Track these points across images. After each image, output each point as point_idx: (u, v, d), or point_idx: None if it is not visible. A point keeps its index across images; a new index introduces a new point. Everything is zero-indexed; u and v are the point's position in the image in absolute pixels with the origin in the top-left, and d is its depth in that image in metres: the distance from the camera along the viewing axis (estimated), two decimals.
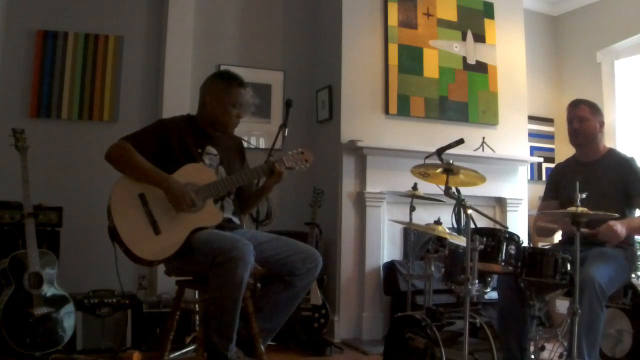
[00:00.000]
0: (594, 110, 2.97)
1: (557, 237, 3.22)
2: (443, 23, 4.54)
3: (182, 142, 2.54)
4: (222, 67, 4.34)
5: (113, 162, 2.45)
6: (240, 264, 2.25)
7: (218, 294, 2.29)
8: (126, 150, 2.43)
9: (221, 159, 2.65)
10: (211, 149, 2.64)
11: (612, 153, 3.01)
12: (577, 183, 2.44)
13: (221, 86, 2.62)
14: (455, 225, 3.29)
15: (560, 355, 2.76)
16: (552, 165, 4.72)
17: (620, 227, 2.60)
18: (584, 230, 2.63)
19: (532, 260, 2.52)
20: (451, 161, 2.61)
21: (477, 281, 2.37)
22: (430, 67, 4.44)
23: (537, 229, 3.15)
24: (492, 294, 2.83)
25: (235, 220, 2.66)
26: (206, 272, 2.33)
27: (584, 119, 2.94)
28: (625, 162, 2.91)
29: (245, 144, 2.90)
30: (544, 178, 5.13)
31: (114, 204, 2.36)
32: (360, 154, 4.12)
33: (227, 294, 2.27)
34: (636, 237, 2.95)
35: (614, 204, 2.73)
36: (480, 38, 4.67)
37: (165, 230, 2.36)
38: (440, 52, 4.49)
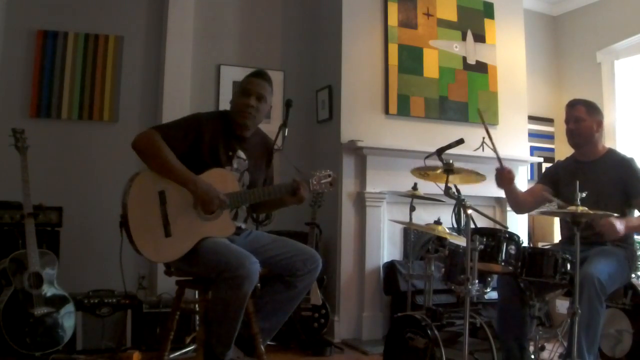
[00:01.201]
0: (591, 110, 2.95)
1: (557, 237, 3.22)
2: (443, 23, 4.54)
3: (214, 142, 2.50)
4: (222, 67, 4.36)
5: (139, 152, 2.38)
6: (246, 283, 2.24)
7: (221, 305, 2.29)
8: (155, 141, 2.36)
9: (249, 165, 2.62)
10: (241, 154, 2.60)
11: (611, 153, 3.00)
12: (577, 183, 2.44)
13: (239, 84, 2.65)
14: (455, 225, 3.29)
15: (560, 355, 2.76)
16: None
17: (619, 224, 2.60)
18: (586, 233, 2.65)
19: (532, 260, 2.52)
20: (451, 161, 2.61)
21: (477, 281, 2.37)
22: (430, 67, 4.44)
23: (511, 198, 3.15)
24: (492, 294, 2.84)
25: (244, 226, 2.65)
26: (209, 277, 2.33)
27: (579, 119, 2.93)
28: (624, 163, 2.90)
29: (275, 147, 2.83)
30: None
31: (132, 195, 2.31)
32: (360, 154, 4.12)
33: (230, 308, 2.28)
34: (636, 236, 2.95)
35: (613, 204, 2.73)
36: (480, 38, 4.67)
37: (176, 234, 2.34)
38: (440, 52, 4.49)
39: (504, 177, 2.98)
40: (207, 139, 2.48)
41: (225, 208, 2.43)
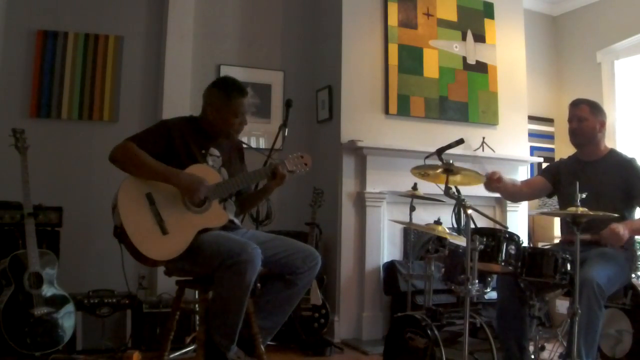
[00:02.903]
0: (595, 110, 2.94)
1: (557, 237, 3.22)
2: (443, 23, 4.54)
3: (185, 143, 2.54)
4: (222, 67, 4.36)
5: (118, 162, 2.43)
6: (249, 268, 2.26)
7: (224, 295, 2.30)
8: (131, 149, 2.42)
9: (223, 161, 2.66)
10: (214, 151, 2.64)
11: (613, 153, 2.99)
12: (577, 183, 2.44)
13: (221, 97, 2.59)
14: (455, 225, 3.29)
15: (560, 355, 2.76)
16: None
17: (622, 230, 2.59)
18: (585, 236, 2.65)
19: (532, 260, 2.52)
20: (451, 161, 2.61)
21: (477, 281, 2.37)
22: (430, 67, 4.44)
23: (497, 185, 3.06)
24: (492, 294, 2.83)
25: (237, 221, 2.67)
26: (211, 273, 2.33)
27: (582, 119, 2.93)
28: (626, 163, 2.89)
29: (244, 145, 2.90)
30: None
31: (121, 203, 2.34)
32: (360, 154, 4.12)
33: (233, 297, 2.29)
34: (637, 237, 2.94)
35: (614, 204, 2.73)
36: (480, 38, 4.67)
37: (172, 231, 2.36)
38: (440, 52, 4.49)
39: (492, 184, 2.95)
40: (178, 140, 2.53)
41: (213, 197, 2.45)
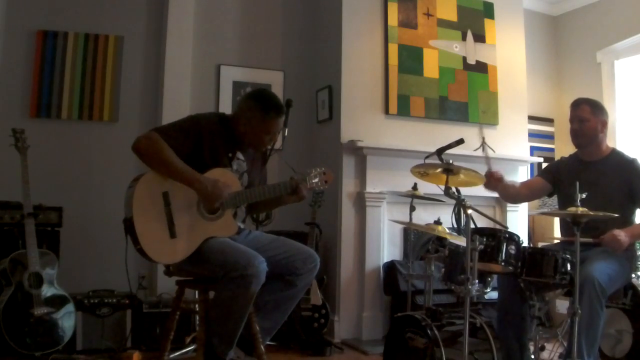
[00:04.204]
0: (596, 110, 2.93)
1: (558, 237, 3.23)
2: (443, 23, 4.53)
3: (214, 144, 2.50)
4: (222, 67, 4.36)
5: (141, 154, 2.36)
6: (254, 282, 2.26)
7: (226, 304, 2.30)
8: (156, 143, 2.34)
9: (247, 167, 2.65)
10: (240, 155, 2.62)
11: (615, 153, 2.98)
12: (577, 183, 2.44)
13: (257, 112, 2.53)
14: (455, 225, 3.29)
15: (560, 355, 2.76)
16: None
17: (623, 236, 2.60)
18: (587, 240, 2.65)
19: (532, 260, 2.52)
20: (451, 161, 2.61)
21: (477, 281, 2.37)
22: (430, 67, 4.44)
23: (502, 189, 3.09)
24: (492, 294, 2.83)
25: (243, 226, 2.67)
26: (214, 277, 2.34)
27: (583, 119, 2.91)
28: (628, 164, 2.89)
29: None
30: None
31: (136, 197, 2.31)
32: (360, 154, 4.12)
33: (236, 307, 2.29)
34: None
35: (615, 205, 2.72)
36: (480, 38, 4.67)
37: (180, 235, 2.35)
38: (440, 52, 4.49)
39: (492, 182, 2.96)
40: (207, 140, 2.49)
41: (228, 206, 2.44)
